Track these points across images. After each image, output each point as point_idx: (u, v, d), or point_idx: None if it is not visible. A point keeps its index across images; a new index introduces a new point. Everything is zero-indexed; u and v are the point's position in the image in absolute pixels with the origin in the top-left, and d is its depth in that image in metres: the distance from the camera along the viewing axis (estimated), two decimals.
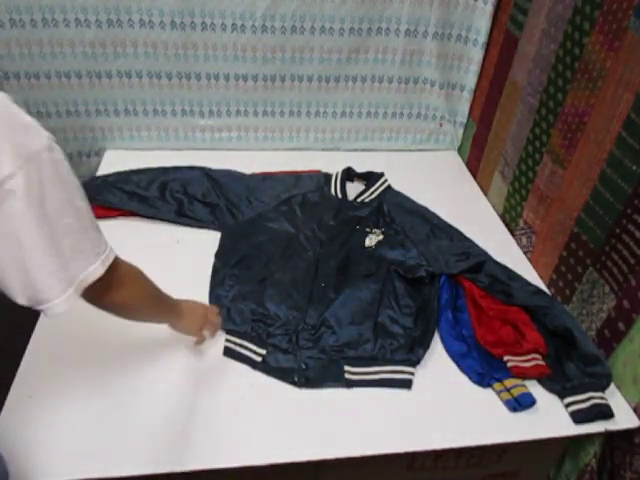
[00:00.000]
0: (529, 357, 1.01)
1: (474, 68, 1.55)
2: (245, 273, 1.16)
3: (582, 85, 1.10)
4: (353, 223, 1.30)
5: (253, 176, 1.44)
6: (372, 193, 1.40)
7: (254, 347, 1.01)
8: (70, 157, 1.55)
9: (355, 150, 1.70)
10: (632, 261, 0.96)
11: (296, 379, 0.97)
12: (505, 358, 1.01)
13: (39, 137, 0.56)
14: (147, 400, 0.91)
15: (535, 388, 0.98)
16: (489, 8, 1.44)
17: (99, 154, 1.57)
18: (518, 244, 1.36)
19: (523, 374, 0.99)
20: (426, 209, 1.37)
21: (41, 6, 1.30)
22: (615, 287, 1.01)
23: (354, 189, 1.43)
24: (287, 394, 0.96)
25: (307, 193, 1.39)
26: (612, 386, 1.00)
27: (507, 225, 1.42)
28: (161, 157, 1.55)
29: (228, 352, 1.01)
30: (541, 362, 1.00)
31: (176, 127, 1.58)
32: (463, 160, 1.70)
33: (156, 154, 1.57)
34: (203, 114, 1.56)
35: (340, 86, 1.57)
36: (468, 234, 1.29)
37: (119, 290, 0.70)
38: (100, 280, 0.65)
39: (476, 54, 1.53)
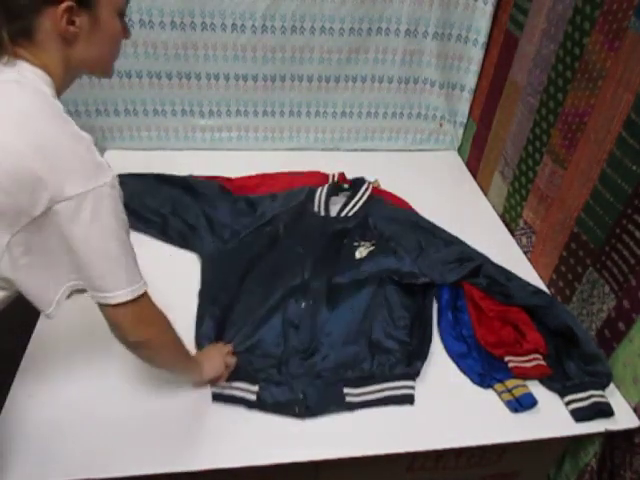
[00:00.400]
0: (530, 357, 1.01)
1: (474, 68, 1.56)
2: (229, 306, 1.08)
3: (582, 85, 1.10)
4: (340, 237, 1.25)
5: (237, 197, 1.35)
6: (355, 205, 1.33)
7: (245, 385, 0.94)
8: None
9: (355, 150, 1.70)
10: (632, 261, 0.96)
11: (297, 410, 0.91)
12: (506, 359, 1.01)
13: (106, 175, 0.67)
14: (148, 400, 0.91)
15: (535, 388, 0.98)
16: (489, 8, 1.44)
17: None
18: (518, 244, 1.36)
19: (524, 374, 0.99)
20: (411, 213, 1.34)
21: None
22: (615, 287, 1.01)
23: (337, 200, 1.37)
24: None
25: (289, 212, 1.30)
26: (612, 386, 1.00)
27: (507, 225, 1.42)
28: (161, 157, 1.56)
29: (218, 397, 0.92)
30: (542, 362, 1.00)
31: (176, 127, 1.58)
32: (463, 160, 1.70)
33: (156, 154, 1.57)
34: (203, 114, 1.56)
35: (340, 86, 1.57)
36: (468, 234, 1.28)
37: (147, 328, 0.76)
38: (130, 312, 0.72)
39: (476, 54, 1.53)
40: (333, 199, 1.36)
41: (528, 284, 1.16)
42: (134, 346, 0.77)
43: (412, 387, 0.97)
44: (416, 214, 1.34)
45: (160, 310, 0.79)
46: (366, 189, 1.36)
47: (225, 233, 1.24)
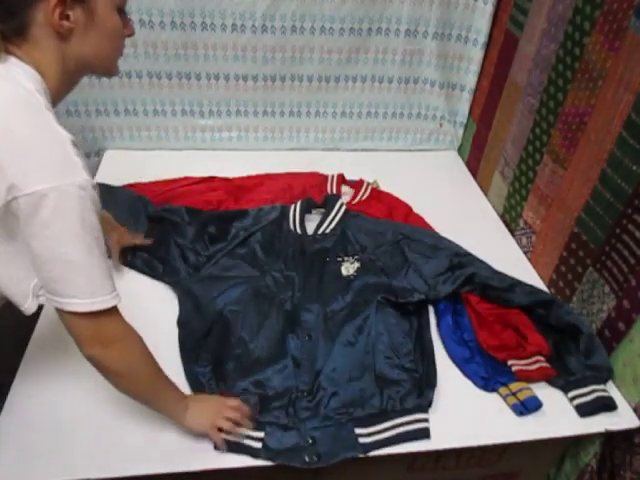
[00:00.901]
0: (533, 360, 1.00)
1: (474, 68, 1.56)
2: (219, 343, 1.00)
3: (582, 85, 1.10)
4: (322, 256, 1.19)
5: (207, 217, 1.25)
6: (331, 222, 1.27)
7: (249, 432, 0.87)
8: None
9: (355, 150, 1.70)
10: (632, 261, 0.96)
11: (307, 459, 0.85)
12: (509, 362, 1.00)
13: (77, 175, 0.63)
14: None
15: (535, 388, 0.98)
16: (489, 8, 1.44)
17: (99, 154, 1.57)
18: (518, 244, 1.36)
19: (528, 378, 0.98)
20: (390, 222, 1.28)
21: None
22: (615, 287, 1.01)
23: (311, 218, 1.31)
24: None
25: (263, 230, 1.23)
26: (612, 386, 1.00)
27: (507, 225, 1.42)
28: (161, 157, 1.56)
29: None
30: (545, 364, 1.00)
31: (176, 127, 1.58)
32: (463, 160, 1.70)
33: (156, 154, 1.57)
34: (203, 114, 1.56)
35: (340, 86, 1.57)
36: (468, 234, 1.28)
37: (104, 349, 0.71)
38: (87, 326, 0.68)
39: (476, 54, 1.53)
40: (307, 217, 1.30)
41: (525, 284, 1.13)
42: (90, 361, 0.72)
43: (426, 420, 0.92)
44: (396, 224, 1.28)
45: (130, 334, 0.74)
46: (340, 206, 1.30)
47: (199, 259, 1.16)
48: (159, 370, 0.80)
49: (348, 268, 1.17)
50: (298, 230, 1.26)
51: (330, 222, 1.27)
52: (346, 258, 1.19)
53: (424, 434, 0.90)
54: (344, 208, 1.30)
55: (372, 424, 0.90)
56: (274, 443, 0.86)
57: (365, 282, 1.14)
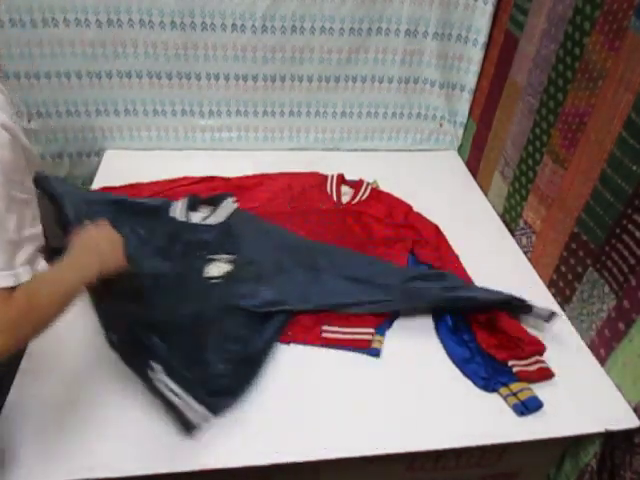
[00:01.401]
0: (532, 360, 1.00)
1: (474, 68, 1.56)
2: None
3: (582, 85, 1.10)
4: (196, 248, 1.15)
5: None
6: (219, 215, 1.25)
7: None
8: (70, 157, 1.55)
9: (355, 150, 1.70)
10: (632, 261, 0.96)
11: (153, 365, 0.85)
12: (510, 363, 1.00)
13: None
14: (147, 400, 0.91)
15: (535, 388, 0.98)
16: (489, 8, 1.44)
17: (99, 154, 1.57)
18: (518, 244, 1.36)
19: (528, 379, 0.98)
20: (279, 228, 1.25)
21: (41, 6, 1.30)
22: (615, 287, 1.01)
23: (197, 216, 1.28)
24: (287, 393, 0.95)
25: (138, 212, 1.19)
26: (612, 386, 1.00)
27: (507, 225, 1.42)
28: (161, 157, 1.56)
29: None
30: (544, 365, 1.00)
31: (176, 127, 1.58)
32: (463, 160, 1.70)
33: (156, 154, 1.57)
34: (203, 114, 1.56)
35: (340, 86, 1.57)
36: (468, 234, 1.28)
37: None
38: None
39: (476, 54, 1.53)
40: (193, 214, 1.26)
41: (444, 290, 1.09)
42: None
43: (206, 417, 0.85)
44: (283, 231, 1.24)
45: (13, 310, 0.65)
46: (234, 201, 1.27)
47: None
48: (50, 291, 0.70)
49: (213, 270, 1.11)
50: (179, 218, 1.22)
51: (218, 215, 1.25)
52: (217, 257, 1.14)
53: (189, 427, 0.85)
54: (235, 205, 1.28)
55: (168, 374, 0.86)
56: (113, 337, 0.89)
57: (226, 287, 1.08)
